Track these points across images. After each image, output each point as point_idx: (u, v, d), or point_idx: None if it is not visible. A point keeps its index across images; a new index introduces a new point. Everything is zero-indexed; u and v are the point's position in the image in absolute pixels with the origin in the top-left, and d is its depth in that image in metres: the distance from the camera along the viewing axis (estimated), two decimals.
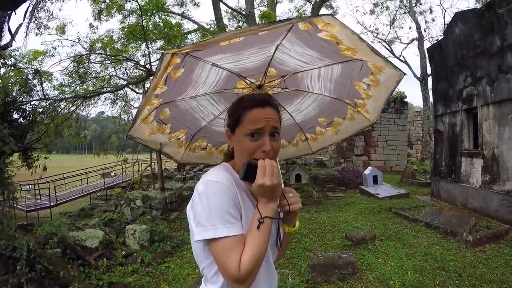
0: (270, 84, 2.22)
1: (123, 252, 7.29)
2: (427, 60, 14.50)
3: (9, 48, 13.62)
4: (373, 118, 2.44)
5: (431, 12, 29.60)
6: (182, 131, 2.38)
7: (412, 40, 28.84)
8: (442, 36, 12.55)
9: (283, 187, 1.57)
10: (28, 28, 14.86)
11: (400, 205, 11.07)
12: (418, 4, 27.25)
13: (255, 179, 1.36)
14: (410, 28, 30.90)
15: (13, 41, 12.73)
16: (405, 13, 28.84)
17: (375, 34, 31.53)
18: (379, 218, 9.63)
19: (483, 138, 9.96)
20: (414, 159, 28.89)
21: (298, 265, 6.25)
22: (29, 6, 14.53)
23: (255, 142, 1.46)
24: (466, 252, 6.81)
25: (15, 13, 10.86)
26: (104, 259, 6.80)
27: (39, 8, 16.29)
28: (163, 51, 1.63)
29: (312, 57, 1.99)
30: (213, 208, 1.33)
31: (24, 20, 14.45)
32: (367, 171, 15.07)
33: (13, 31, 12.37)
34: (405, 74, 2.01)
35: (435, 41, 18.82)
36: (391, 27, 30.06)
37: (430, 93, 19.94)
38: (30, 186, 19.34)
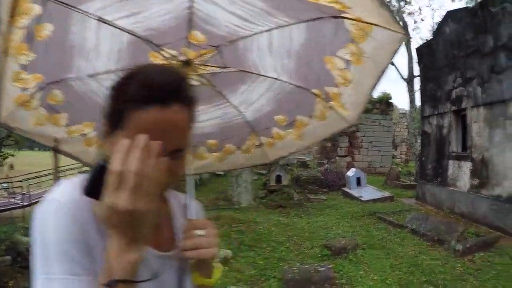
0: (201, 59, 1.52)
1: None
2: (415, 61, 14.07)
3: None
4: (353, 117, 1.73)
5: (420, 13, 29.13)
6: (88, 124, 1.71)
7: None
8: (432, 37, 12.08)
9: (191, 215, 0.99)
10: None
11: (384, 209, 10.50)
12: (407, 5, 26.79)
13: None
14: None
15: None
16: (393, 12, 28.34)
17: None
18: (362, 224, 9.00)
19: (472, 141, 9.53)
20: (399, 160, 28.51)
21: (271, 278, 5.56)
22: None
23: None
24: (455, 263, 6.29)
25: None
26: None
27: None
28: None
29: (254, 10, 1.29)
30: (50, 245, 0.74)
31: None
32: (350, 173, 14.48)
33: None
34: (407, 35, 1.27)
35: (424, 41, 18.46)
36: None
37: (416, 94, 19.55)
38: (7, 184, 18.40)
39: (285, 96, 1.77)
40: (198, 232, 0.96)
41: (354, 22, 1.29)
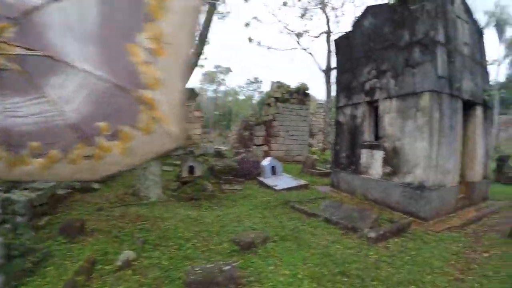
0: (4, 36, 1.17)
1: None
2: (333, 53, 14.25)
3: None
4: (177, 134, 1.35)
5: (342, 7, 29.82)
6: None
7: (321, 34, 28.91)
8: (350, 29, 12.22)
9: None
10: None
11: (298, 198, 10.34)
12: None
13: None
14: (319, 19, 31.03)
15: None
16: (316, 5, 28.68)
17: (284, 25, 31.29)
18: (276, 214, 8.67)
19: (384, 131, 9.77)
20: (316, 149, 29.17)
21: (176, 280, 4.96)
22: None
23: None
24: (368, 250, 6.16)
25: None
26: None
27: None
28: None
29: None
30: None
31: None
32: (265, 162, 14.29)
33: None
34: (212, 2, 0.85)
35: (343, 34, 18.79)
36: (302, 18, 29.77)
37: (333, 86, 19.94)
38: None
39: (102, 97, 1.36)
40: None
41: None
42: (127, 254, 5.60)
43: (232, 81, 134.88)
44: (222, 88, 73.64)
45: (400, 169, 9.04)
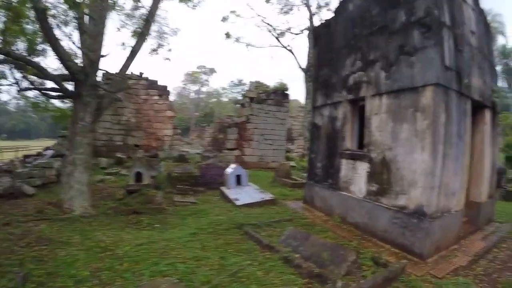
0: None
1: None
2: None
3: None
4: None
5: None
6: None
7: (303, 30, 27.16)
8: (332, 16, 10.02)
9: None
10: None
11: (259, 218, 8.04)
12: None
13: None
14: (299, 9, 29.04)
15: None
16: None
17: (262, 18, 29.59)
18: (221, 243, 6.34)
19: (371, 137, 7.59)
20: (295, 154, 27.10)
21: None
22: None
23: None
24: None
25: None
26: None
27: None
28: None
29: None
30: None
31: None
32: (229, 169, 11.99)
33: None
34: None
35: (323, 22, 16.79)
36: (282, 13, 28.06)
37: None
38: None
39: None
40: None
41: None
42: None
43: (216, 82, 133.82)
44: (205, 89, 72.33)
45: (391, 188, 6.86)
